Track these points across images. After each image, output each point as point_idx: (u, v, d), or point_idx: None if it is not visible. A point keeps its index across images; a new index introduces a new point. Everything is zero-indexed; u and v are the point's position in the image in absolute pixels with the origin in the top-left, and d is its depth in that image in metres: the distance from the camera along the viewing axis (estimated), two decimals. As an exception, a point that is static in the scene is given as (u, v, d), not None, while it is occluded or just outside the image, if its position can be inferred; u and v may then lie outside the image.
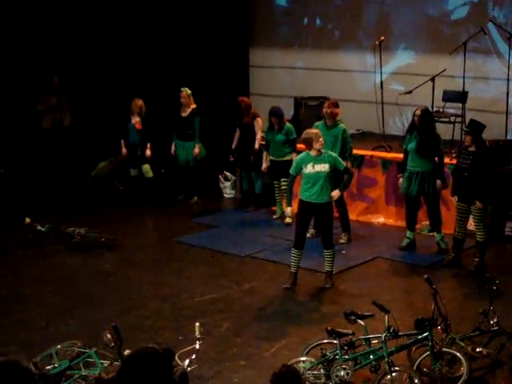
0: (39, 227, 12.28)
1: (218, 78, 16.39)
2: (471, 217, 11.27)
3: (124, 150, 14.43)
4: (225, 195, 15.03)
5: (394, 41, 15.36)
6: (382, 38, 13.87)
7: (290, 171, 10.78)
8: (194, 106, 14.19)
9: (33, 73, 15.63)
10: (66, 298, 10.42)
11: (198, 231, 13.03)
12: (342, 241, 12.27)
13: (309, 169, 10.46)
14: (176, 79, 16.30)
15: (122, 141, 14.41)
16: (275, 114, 13.35)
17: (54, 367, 7.86)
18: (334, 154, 10.74)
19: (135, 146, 14.38)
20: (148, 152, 14.28)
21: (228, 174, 15.00)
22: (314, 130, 10.84)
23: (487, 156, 11.02)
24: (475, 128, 10.99)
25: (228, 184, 14.99)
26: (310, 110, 14.31)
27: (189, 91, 14.23)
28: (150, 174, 14.47)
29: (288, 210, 11.01)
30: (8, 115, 15.35)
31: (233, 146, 14.05)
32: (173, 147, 14.43)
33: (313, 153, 10.50)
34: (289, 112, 15.01)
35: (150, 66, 16.36)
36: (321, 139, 10.49)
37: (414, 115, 11.76)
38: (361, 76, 15.68)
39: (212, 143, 14.67)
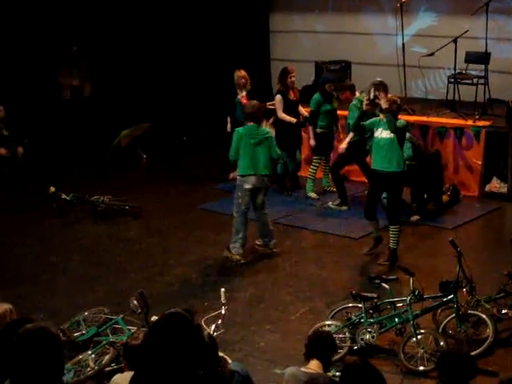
0: (64, 196, 12.36)
1: (239, 45, 16.31)
2: None
3: (229, 126, 12.99)
4: None
5: (416, 2, 15.17)
6: (403, -1, 13.75)
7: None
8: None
9: (53, 43, 15.64)
10: (92, 265, 10.50)
11: (221, 198, 13.03)
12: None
13: (379, 133, 10.00)
14: (196, 47, 16.28)
15: (228, 118, 13.05)
16: (330, 80, 12.76)
17: (82, 334, 7.96)
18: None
19: (241, 122, 12.10)
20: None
21: None
22: None
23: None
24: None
25: None
26: (332, 73, 14.19)
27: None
28: None
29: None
30: (30, 86, 15.39)
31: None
32: (229, 124, 13.22)
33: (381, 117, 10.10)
34: (310, 77, 14.94)
35: (168, 33, 16.29)
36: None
37: None
38: (382, 39, 15.54)
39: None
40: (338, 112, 12.95)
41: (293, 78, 12.76)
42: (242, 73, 13.10)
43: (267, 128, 11.10)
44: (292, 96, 12.84)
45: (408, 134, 11.53)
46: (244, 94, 13.04)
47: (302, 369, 6.03)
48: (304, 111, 13.10)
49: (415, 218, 11.73)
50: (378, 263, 10.13)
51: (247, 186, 10.29)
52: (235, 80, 13.10)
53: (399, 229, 10.17)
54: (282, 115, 12.79)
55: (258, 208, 10.54)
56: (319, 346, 6.06)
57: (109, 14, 15.91)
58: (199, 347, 4.07)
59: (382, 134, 9.87)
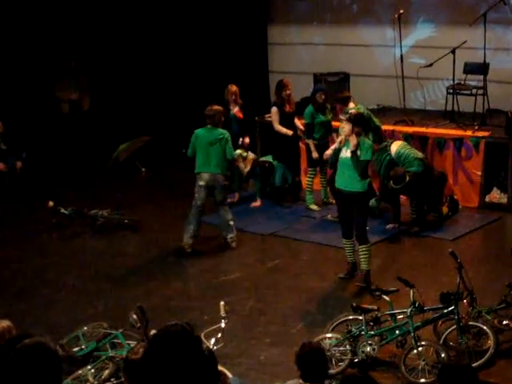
0: (63, 210, 12.34)
1: (237, 57, 16.32)
2: None
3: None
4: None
5: (414, 13, 15.20)
6: (401, 10, 13.72)
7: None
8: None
9: (51, 58, 15.65)
10: (91, 280, 10.47)
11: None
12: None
13: (343, 153, 9.91)
14: (194, 60, 16.29)
15: None
16: (325, 90, 12.73)
17: (81, 349, 7.92)
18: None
19: (236, 136, 12.89)
20: (247, 140, 13.32)
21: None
22: None
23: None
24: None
25: None
26: (330, 85, 14.18)
27: None
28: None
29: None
30: (28, 101, 15.39)
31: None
32: None
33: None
34: (308, 89, 14.94)
35: (166, 46, 16.30)
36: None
37: None
38: (380, 50, 15.54)
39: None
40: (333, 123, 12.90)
41: (288, 91, 12.79)
42: (233, 88, 13.15)
43: (224, 130, 11.33)
44: (288, 108, 12.85)
45: (420, 154, 11.73)
46: (237, 108, 13.13)
47: (301, 381, 5.98)
48: (299, 124, 13.10)
49: (415, 229, 11.70)
50: (356, 284, 9.91)
51: (201, 183, 11.15)
52: (225, 96, 13.16)
53: (368, 248, 9.96)
54: (278, 127, 12.81)
55: (218, 204, 11.30)
56: (309, 361, 5.96)
57: (107, 27, 15.92)
58: (199, 361, 4.04)
59: (347, 153, 9.79)
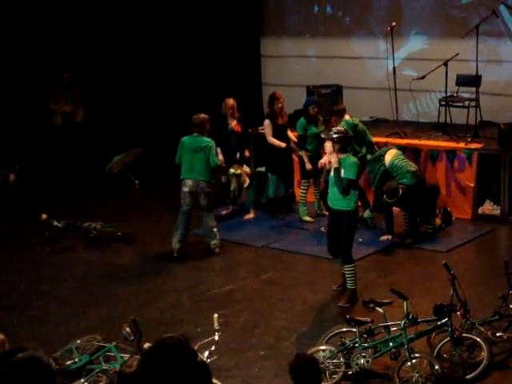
0: (56, 223, 12.32)
1: (230, 70, 16.35)
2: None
3: (221, 157, 12.46)
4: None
5: (406, 26, 15.26)
6: (394, 23, 13.79)
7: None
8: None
9: (44, 70, 15.65)
10: (85, 292, 10.44)
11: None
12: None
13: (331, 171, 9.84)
14: (187, 72, 16.31)
15: (219, 148, 12.24)
16: (318, 102, 12.76)
17: (75, 362, 7.89)
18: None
19: (234, 149, 13.09)
20: (247, 153, 13.44)
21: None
22: None
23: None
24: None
25: None
26: (323, 98, 14.21)
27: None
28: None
29: None
30: (21, 113, 15.38)
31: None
32: (220, 156, 12.54)
33: None
34: (301, 101, 14.96)
35: (159, 59, 16.33)
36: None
37: None
38: (373, 63, 15.60)
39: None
40: None
41: (280, 104, 12.82)
42: (230, 102, 13.06)
43: (209, 138, 11.50)
44: (280, 121, 12.88)
45: (414, 166, 11.75)
46: (235, 122, 13.10)
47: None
48: (292, 136, 13.12)
49: (408, 241, 11.71)
50: (338, 305, 9.76)
51: (185, 189, 11.47)
52: (222, 110, 13.10)
53: (353, 267, 9.80)
54: (271, 140, 12.83)
55: (202, 210, 11.57)
56: (302, 373, 5.95)
57: (100, 40, 15.94)
58: (195, 373, 4.04)
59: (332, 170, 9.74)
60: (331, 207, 9.84)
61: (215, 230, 11.62)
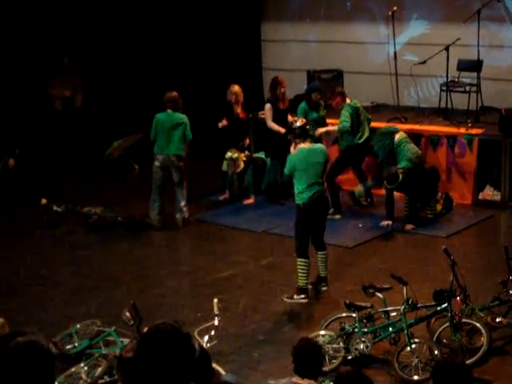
0: (55, 208, 12.30)
1: (231, 55, 16.29)
2: None
3: (224, 123, 12.91)
4: None
5: (407, 11, 15.19)
6: (395, 8, 13.73)
7: None
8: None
9: (44, 55, 15.60)
10: (84, 277, 10.45)
11: (214, 208, 12.99)
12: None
13: None
14: (187, 57, 16.26)
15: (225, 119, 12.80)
16: (320, 89, 12.73)
17: (74, 346, 7.91)
18: None
19: (237, 136, 13.11)
20: (247, 141, 13.37)
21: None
22: None
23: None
24: None
25: None
26: (324, 83, 14.17)
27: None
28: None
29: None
30: (21, 98, 15.33)
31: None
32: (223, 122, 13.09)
33: None
34: (302, 86, 14.93)
35: (159, 44, 16.26)
36: None
37: None
38: (374, 47, 15.53)
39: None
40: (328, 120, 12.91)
41: (282, 89, 12.79)
42: (234, 88, 12.99)
43: (183, 115, 11.98)
44: (281, 106, 12.85)
45: (416, 150, 11.73)
46: (240, 109, 13.06)
47: (294, 379, 5.98)
48: (293, 121, 13.07)
49: (409, 226, 11.70)
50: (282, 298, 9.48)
51: (156, 164, 11.94)
52: (227, 96, 13.02)
53: (303, 263, 9.43)
54: (271, 124, 12.80)
55: (175, 185, 12.03)
56: (305, 356, 5.97)
57: (100, 24, 15.87)
58: (190, 356, 4.04)
59: None
60: None
61: (182, 204, 12.06)
